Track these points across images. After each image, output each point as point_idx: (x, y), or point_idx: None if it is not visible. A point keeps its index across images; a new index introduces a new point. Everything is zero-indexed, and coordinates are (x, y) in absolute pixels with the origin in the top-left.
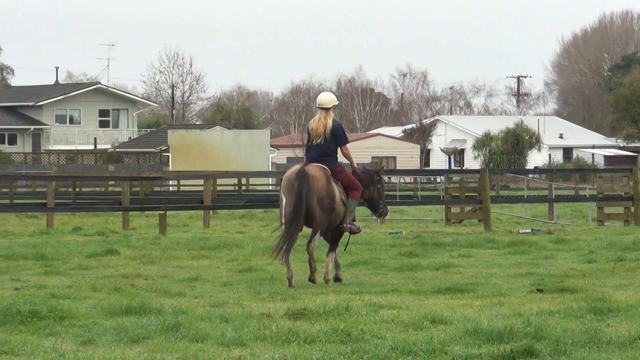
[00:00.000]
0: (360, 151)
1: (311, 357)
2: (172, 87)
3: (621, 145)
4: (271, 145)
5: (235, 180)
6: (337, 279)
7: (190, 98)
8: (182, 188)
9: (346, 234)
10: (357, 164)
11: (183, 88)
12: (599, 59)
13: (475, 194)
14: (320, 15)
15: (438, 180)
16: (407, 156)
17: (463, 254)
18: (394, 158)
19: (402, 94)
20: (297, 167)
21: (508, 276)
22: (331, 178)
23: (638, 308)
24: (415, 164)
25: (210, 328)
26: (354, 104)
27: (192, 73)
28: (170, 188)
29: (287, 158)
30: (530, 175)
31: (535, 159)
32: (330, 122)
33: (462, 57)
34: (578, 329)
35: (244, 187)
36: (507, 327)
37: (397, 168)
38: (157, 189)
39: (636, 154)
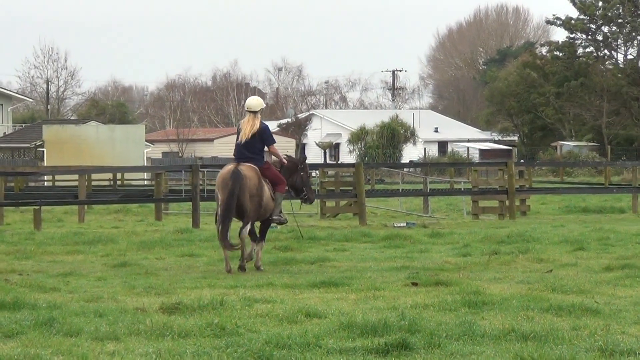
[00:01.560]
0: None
1: (185, 351)
2: (47, 82)
3: (496, 139)
4: (146, 140)
5: (110, 175)
6: (256, 260)
7: (65, 93)
8: (57, 183)
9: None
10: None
11: (58, 83)
12: (474, 53)
13: (351, 188)
14: (194, 9)
15: (313, 174)
16: (283, 150)
17: (338, 247)
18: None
19: (278, 88)
20: (230, 166)
21: (383, 270)
22: (261, 176)
23: (512, 301)
24: None
25: (84, 323)
26: (230, 98)
27: (67, 68)
28: (45, 183)
29: (163, 152)
30: (405, 169)
31: (411, 152)
32: (257, 124)
33: (338, 51)
34: (452, 322)
35: (119, 182)
36: (382, 321)
37: None
38: (32, 184)
39: (511, 148)
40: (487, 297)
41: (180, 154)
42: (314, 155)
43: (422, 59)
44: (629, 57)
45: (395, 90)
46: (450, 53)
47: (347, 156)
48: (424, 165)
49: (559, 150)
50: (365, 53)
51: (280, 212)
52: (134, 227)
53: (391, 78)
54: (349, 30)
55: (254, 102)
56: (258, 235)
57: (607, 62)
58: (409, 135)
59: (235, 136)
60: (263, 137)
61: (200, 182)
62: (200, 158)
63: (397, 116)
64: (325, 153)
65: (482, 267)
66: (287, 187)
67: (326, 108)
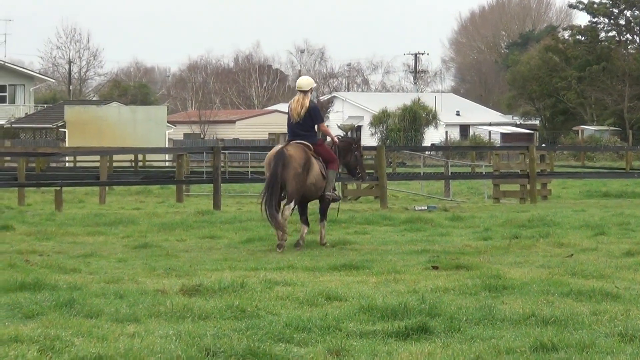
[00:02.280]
0: (257, 127)
1: (205, 333)
2: (69, 62)
3: (518, 122)
4: (168, 122)
5: (131, 156)
6: (321, 238)
7: (87, 74)
8: (78, 164)
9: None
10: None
11: (80, 64)
12: (497, 37)
13: (372, 170)
14: None
15: None
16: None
17: (359, 230)
18: None
19: (300, 70)
20: (278, 147)
21: (403, 253)
22: (310, 154)
23: (532, 285)
24: None
25: (104, 304)
26: (252, 80)
27: (89, 49)
28: (67, 164)
29: (184, 134)
30: (426, 153)
31: (432, 136)
32: (307, 103)
33: (360, 34)
34: (472, 306)
35: (140, 163)
36: (402, 304)
37: None
38: (53, 165)
39: (532, 132)
40: (508, 281)
41: (202, 136)
42: None
43: (445, 42)
44: None
45: (417, 73)
46: (473, 36)
47: (369, 139)
48: (445, 148)
49: (581, 135)
50: (388, 36)
51: (334, 189)
52: (155, 209)
53: (413, 61)
54: (371, 12)
55: (305, 81)
56: (319, 214)
57: (629, 47)
58: (431, 118)
59: (287, 116)
60: (314, 115)
61: (222, 164)
62: (222, 140)
63: (418, 99)
64: (347, 135)
65: (502, 251)
66: (339, 166)
67: (348, 91)
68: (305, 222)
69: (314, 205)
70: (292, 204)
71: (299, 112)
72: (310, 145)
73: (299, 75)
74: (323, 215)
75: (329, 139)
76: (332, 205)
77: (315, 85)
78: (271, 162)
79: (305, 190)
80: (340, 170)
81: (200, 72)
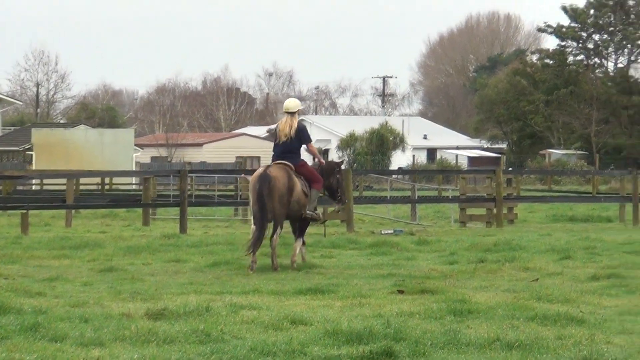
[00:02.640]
0: (224, 151)
1: (170, 357)
2: (37, 85)
3: (485, 146)
4: (135, 145)
5: (98, 180)
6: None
7: (55, 96)
8: (45, 187)
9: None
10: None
11: (48, 86)
12: (465, 60)
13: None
14: (185, 13)
15: None
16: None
17: (325, 254)
18: (259, 158)
19: (268, 93)
20: (260, 170)
21: (369, 277)
22: (293, 174)
23: (497, 310)
24: None
25: (69, 328)
26: (219, 103)
27: (57, 71)
28: (33, 187)
29: (152, 157)
30: (393, 176)
31: (400, 159)
32: (295, 124)
33: (328, 58)
34: (438, 330)
35: (107, 187)
36: (367, 328)
37: None
38: (20, 187)
39: (500, 155)
40: (473, 305)
41: (169, 159)
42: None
43: (413, 66)
44: (619, 65)
45: (385, 96)
46: (441, 60)
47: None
48: (412, 172)
49: (548, 159)
50: (356, 59)
51: (315, 208)
52: (121, 232)
53: (381, 84)
54: (339, 36)
55: (292, 103)
56: (298, 232)
57: (597, 71)
58: (398, 141)
59: (274, 137)
60: (301, 136)
61: (189, 187)
62: (189, 163)
63: (386, 122)
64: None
65: (468, 275)
66: (322, 187)
67: (316, 114)
68: (302, 241)
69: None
70: (279, 230)
71: (287, 132)
72: (292, 166)
73: (267, 99)
74: (301, 234)
75: (316, 159)
76: (315, 226)
77: (302, 107)
78: (255, 185)
79: (289, 210)
80: (321, 194)
81: (168, 95)
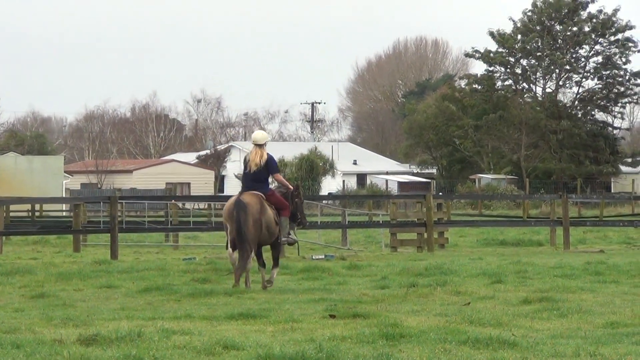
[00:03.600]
0: (154, 177)
1: None
2: None
3: (415, 171)
4: (65, 171)
5: (28, 206)
6: (269, 282)
7: None
8: None
9: (294, 244)
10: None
11: None
12: (393, 86)
13: None
14: (113, 40)
15: None
16: (202, 182)
17: (256, 279)
18: (189, 184)
19: (197, 120)
20: (233, 198)
21: (301, 302)
22: (264, 202)
23: (430, 333)
24: (210, 190)
25: (1, 354)
26: (149, 130)
27: None
28: None
29: (81, 184)
30: (324, 202)
31: (330, 185)
32: (265, 155)
33: (257, 84)
34: (370, 355)
35: (37, 213)
36: (299, 353)
37: (192, 194)
38: None
39: (430, 180)
40: (405, 329)
41: (99, 185)
42: (233, 187)
43: (341, 92)
44: (548, 90)
45: (314, 122)
46: (370, 85)
47: None
48: (342, 197)
49: (478, 183)
50: (285, 85)
51: (289, 233)
52: (52, 259)
53: (310, 110)
54: (268, 62)
55: (260, 135)
56: (272, 261)
57: (525, 95)
58: (328, 167)
59: (243, 168)
60: (269, 167)
61: (119, 214)
62: (119, 189)
63: (316, 148)
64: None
65: (400, 299)
66: (290, 211)
67: (245, 140)
68: (262, 264)
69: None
70: (252, 254)
71: (258, 162)
72: (262, 195)
73: (196, 125)
74: (276, 262)
75: (275, 186)
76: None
77: (269, 138)
78: (232, 211)
79: (260, 236)
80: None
81: (97, 121)
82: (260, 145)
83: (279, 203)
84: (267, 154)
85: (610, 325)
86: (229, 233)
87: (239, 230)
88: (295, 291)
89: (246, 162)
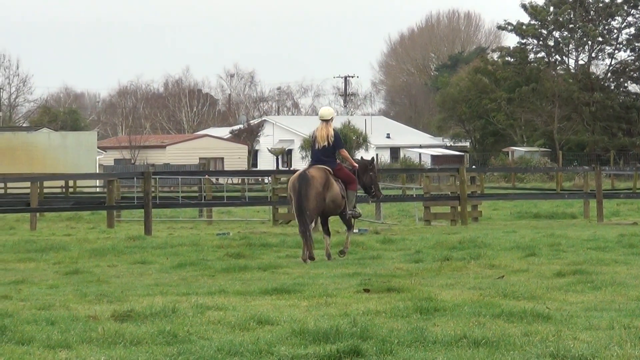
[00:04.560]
0: (187, 152)
1: (137, 358)
2: None
3: (448, 145)
4: (98, 147)
5: (62, 183)
6: (341, 252)
7: (17, 100)
8: (9, 191)
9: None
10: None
11: (10, 90)
12: (426, 59)
13: None
14: (145, 16)
15: (266, 180)
16: (235, 157)
17: (290, 254)
18: (222, 159)
19: (230, 94)
20: (300, 170)
21: (335, 276)
22: (330, 176)
23: (464, 307)
24: (243, 165)
25: (36, 331)
26: (182, 105)
27: (18, 75)
28: None
29: (115, 159)
30: None
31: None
32: (331, 131)
33: (290, 58)
34: (404, 329)
35: (71, 190)
36: (334, 327)
37: (225, 169)
38: None
39: (463, 154)
40: (439, 303)
41: (132, 161)
42: (266, 162)
43: (374, 65)
44: (580, 62)
45: (347, 96)
46: (402, 59)
47: (300, 162)
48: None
49: (511, 156)
50: (318, 59)
51: (354, 207)
52: (86, 235)
53: (343, 84)
54: (301, 36)
55: (327, 111)
56: (345, 226)
57: (558, 68)
58: (361, 141)
59: (311, 143)
60: (335, 142)
61: (152, 189)
62: (153, 165)
63: (349, 122)
64: (277, 159)
65: (434, 273)
66: (358, 186)
67: (278, 114)
68: (327, 232)
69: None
70: (312, 224)
71: (325, 138)
72: (330, 169)
73: (229, 100)
74: (349, 227)
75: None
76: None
77: (335, 114)
78: (295, 183)
79: (325, 207)
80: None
81: (130, 97)
82: (326, 121)
83: (346, 177)
84: (333, 129)
85: None
86: (293, 204)
87: (299, 202)
88: (329, 266)
89: (313, 138)
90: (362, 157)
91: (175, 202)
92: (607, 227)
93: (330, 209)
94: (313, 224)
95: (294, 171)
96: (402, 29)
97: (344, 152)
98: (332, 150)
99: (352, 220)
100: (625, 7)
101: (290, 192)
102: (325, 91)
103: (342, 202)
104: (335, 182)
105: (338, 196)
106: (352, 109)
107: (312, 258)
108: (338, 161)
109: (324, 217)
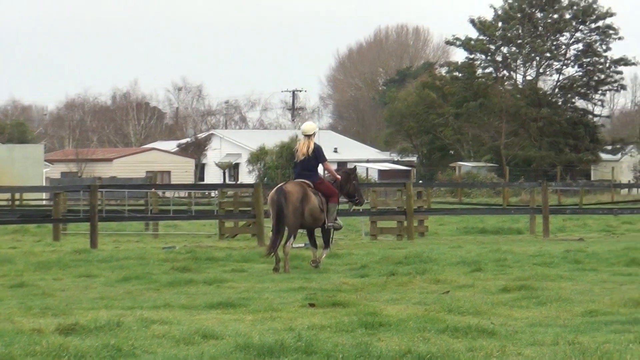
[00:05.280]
0: (134, 165)
1: None
2: None
3: (395, 159)
4: (45, 160)
5: (8, 195)
6: (316, 263)
7: None
8: None
9: (332, 231)
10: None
11: None
12: (374, 73)
13: (250, 208)
14: (93, 29)
15: (212, 194)
16: (182, 170)
17: (236, 268)
18: (169, 172)
19: (177, 108)
20: (278, 185)
21: (280, 291)
22: (308, 190)
23: (409, 322)
24: (190, 179)
25: None
26: (129, 118)
27: None
28: None
29: (62, 172)
30: None
31: None
32: (312, 145)
33: (238, 72)
34: (349, 343)
35: (17, 202)
36: (278, 342)
37: (172, 182)
38: None
39: (410, 168)
40: (384, 318)
41: (79, 174)
42: (213, 176)
43: (322, 79)
44: (528, 77)
45: (295, 110)
46: (350, 73)
47: (247, 176)
48: None
49: (458, 171)
50: (266, 73)
51: (335, 219)
52: (32, 248)
53: (291, 98)
54: (249, 49)
55: (309, 126)
56: (323, 242)
57: (506, 83)
58: None
59: (295, 157)
60: (317, 156)
61: (99, 202)
62: (99, 178)
63: (296, 136)
64: (224, 173)
65: (379, 288)
66: (339, 198)
67: (226, 128)
68: (314, 244)
69: None
70: (292, 239)
71: (305, 152)
72: (310, 183)
73: (177, 113)
74: (326, 244)
75: (326, 174)
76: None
77: (317, 129)
78: (274, 197)
79: (303, 221)
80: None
81: (77, 110)
82: (308, 136)
83: (327, 190)
84: (315, 143)
85: (589, 314)
86: (271, 218)
87: (278, 215)
88: (274, 280)
89: (295, 153)
90: (345, 170)
91: (122, 215)
92: (553, 243)
93: (309, 223)
94: (292, 239)
95: (241, 185)
96: (350, 43)
97: (327, 165)
98: (313, 163)
99: (331, 238)
100: (574, 23)
101: (269, 207)
102: (273, 105)
103: (322, 215)
104: (314, 196)
105: (316, 209)
106: (299, 123)
107: (276, 270)
108: (320, 174)
109: (309, 230)
